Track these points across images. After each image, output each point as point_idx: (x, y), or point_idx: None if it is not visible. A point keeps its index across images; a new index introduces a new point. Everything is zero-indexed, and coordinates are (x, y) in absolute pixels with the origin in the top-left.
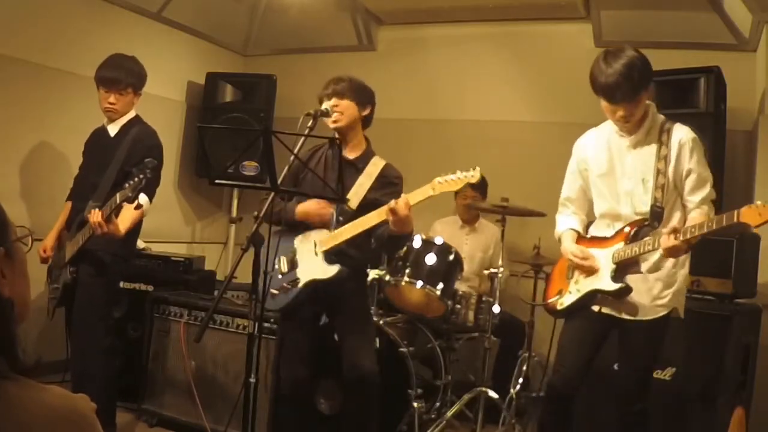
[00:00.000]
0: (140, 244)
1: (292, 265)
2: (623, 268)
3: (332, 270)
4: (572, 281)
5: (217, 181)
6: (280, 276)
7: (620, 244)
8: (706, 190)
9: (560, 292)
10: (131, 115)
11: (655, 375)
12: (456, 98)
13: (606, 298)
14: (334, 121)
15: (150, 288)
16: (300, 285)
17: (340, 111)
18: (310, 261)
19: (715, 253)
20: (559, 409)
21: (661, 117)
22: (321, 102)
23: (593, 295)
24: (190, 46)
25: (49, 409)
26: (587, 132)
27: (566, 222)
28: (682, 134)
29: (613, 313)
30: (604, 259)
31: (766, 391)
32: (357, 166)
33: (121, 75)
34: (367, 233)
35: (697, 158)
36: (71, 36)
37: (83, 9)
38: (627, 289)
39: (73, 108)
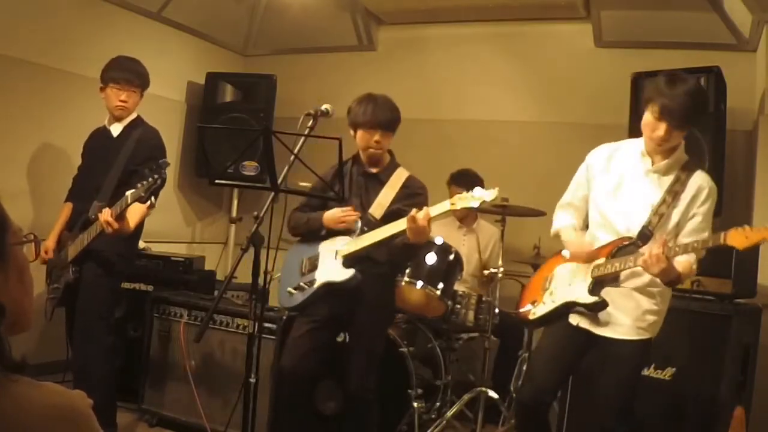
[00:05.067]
0: (140, 244)
1: (313, 267)
2: (601, 282)
3: (347, 274)
4: (547, 292)
5: (217, 181)
6: (300, 275)
7: (601, 260)
8: (702, 238)
9: (534, 302)
10: (133, 116)
11: (655, 375)
12: (456, 98)
13: (582, 311)
14: (373, 155)
15: (150, 288)
16: (315, 286)
17: (383, 147)
18: (329, 264)
19: (715, 253)
20: (530, 425)
21: (686, 157)
22: (355, 128)
23: (569, 307)
24: (190, 46)
25: (45, 406)
26: (602, 145)
27: (566, 219)
28: (702, 180)
29: (591, 329)
30: (584, 271)
31: (766, 391)
32: (380, 179)
33: (133, 75)
34: (385, 243)
35: (708, 208)
36: (71, 36)
37: (83, 9)
38: (602, 304)
39: (74, 108)
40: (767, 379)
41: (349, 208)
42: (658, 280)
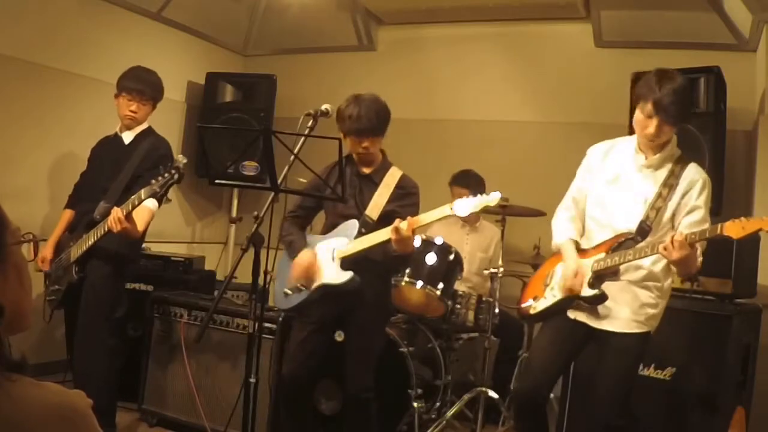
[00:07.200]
0: None
1: None
2: (601, 276)
3: (345, 276)
4: (548, 288)
5: (217, 181)
6: None
7: (601, 254)
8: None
9: (535, 298)
10: (144, 125)
11: (654, 375)
12: (456, 98)
13: (581, 305)
14: (364, 158)
15: (150, 288)
16: (312, 287)
17: (373, 152)
18: (327, 266)
19: (715, 253)
20: (528, 417)
21: (679, 151)
22: (344, 135)
23: (569, 301)
24: (190, 46)
25: (45, 406)
26: (600, 143)
27: (565, 231)
28: (694, 172)
29: (589, 322)
30: (585, 267)
31: (766, 391)
32: (374, 180)
33: (147, 87)
34: (381, 246)
35: (705, 199)
36: (71, 36)
37: (83, 9)
38: (602, 297)
39: (74, 107)
40: (767, 379)
41: (314, 263)
42: (657, 273)
